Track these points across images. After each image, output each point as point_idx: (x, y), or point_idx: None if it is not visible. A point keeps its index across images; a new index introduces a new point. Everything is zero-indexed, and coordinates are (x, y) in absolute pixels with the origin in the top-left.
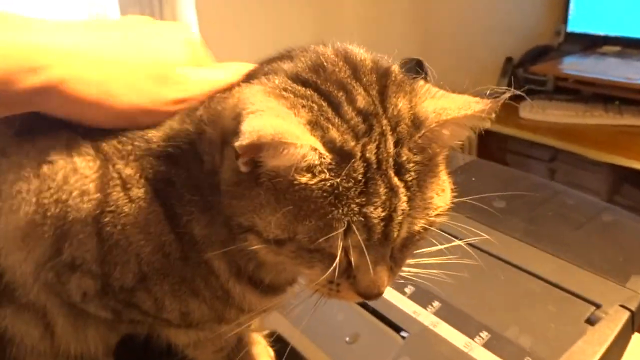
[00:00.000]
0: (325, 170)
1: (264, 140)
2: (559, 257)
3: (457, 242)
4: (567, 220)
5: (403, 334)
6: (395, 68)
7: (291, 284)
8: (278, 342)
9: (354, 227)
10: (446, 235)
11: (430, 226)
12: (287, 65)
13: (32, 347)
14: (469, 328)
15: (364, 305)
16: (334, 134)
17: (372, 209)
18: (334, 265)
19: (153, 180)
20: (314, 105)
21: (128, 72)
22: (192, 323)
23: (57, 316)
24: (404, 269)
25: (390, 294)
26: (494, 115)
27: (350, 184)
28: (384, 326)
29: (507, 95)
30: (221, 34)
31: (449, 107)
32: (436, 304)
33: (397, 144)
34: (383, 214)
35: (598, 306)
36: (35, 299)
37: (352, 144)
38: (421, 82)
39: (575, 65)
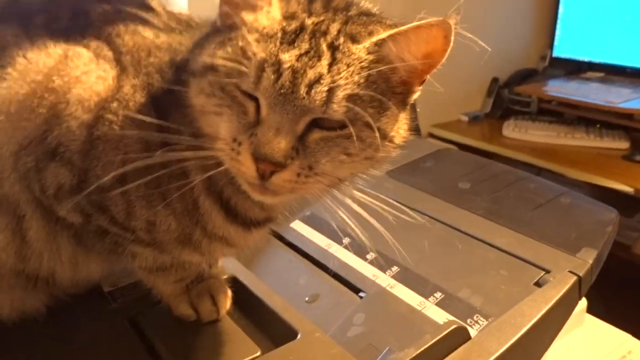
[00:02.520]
0: (267, 18)
1: None
2: (516, 230)
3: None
4: (527, 201)
5: (361, 294)
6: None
7: (257, 224)
8: (238, 288)
9: (266, 67)
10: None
11: (356, 130)
12: None
13: None
14: (424, 289)
15: (325, 269)
16: (294, 6)
17: (286, 55)
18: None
19: (154, 92)
20: None
21: None
22: (156, 238)
23: (31, 219)
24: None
25: (351, 260)
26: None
27: (278, 32)
28: (343, 287)
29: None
30: None
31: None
32: (395, 268)
33: (342, 32)
34: (296, 63)
35: (548, 271)
36: (10, 190)
37: (299, 12)
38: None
39: (558, 88)
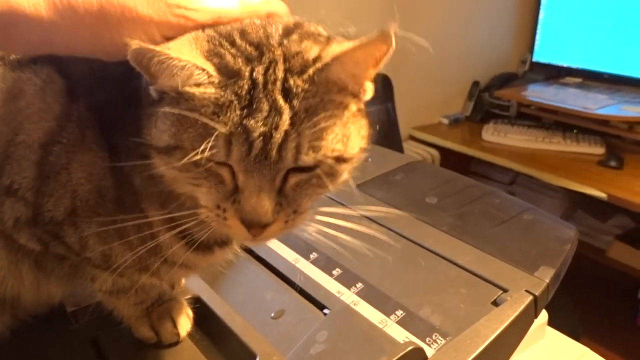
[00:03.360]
0: (210, 85)
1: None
2: (478, 248)
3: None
4: (491, 217)
5: (325, 311)
6: (311, 25)
7: (220, 245)
8: (201, 308)
9: (234, 139)
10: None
11: (327, 168)
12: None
13: None
14: (386, 307)
15: (291, 285)
16: (228, 58)
17: (252, 122)
18: (200, 147)
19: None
20: (215, 41)
21: None
22: (112, 266)
23: None
24: (314, 225)
25: (317, 275)
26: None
27: (233, 98)
28: (309, 304)
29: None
30: None
31: (342, 47)
32: (360, 285)
33: (288, 71)
34: (263, 128)
35: (505, 290)
36: None
37: (241, 65)
38: (338, 38)
39: (538, 93)
